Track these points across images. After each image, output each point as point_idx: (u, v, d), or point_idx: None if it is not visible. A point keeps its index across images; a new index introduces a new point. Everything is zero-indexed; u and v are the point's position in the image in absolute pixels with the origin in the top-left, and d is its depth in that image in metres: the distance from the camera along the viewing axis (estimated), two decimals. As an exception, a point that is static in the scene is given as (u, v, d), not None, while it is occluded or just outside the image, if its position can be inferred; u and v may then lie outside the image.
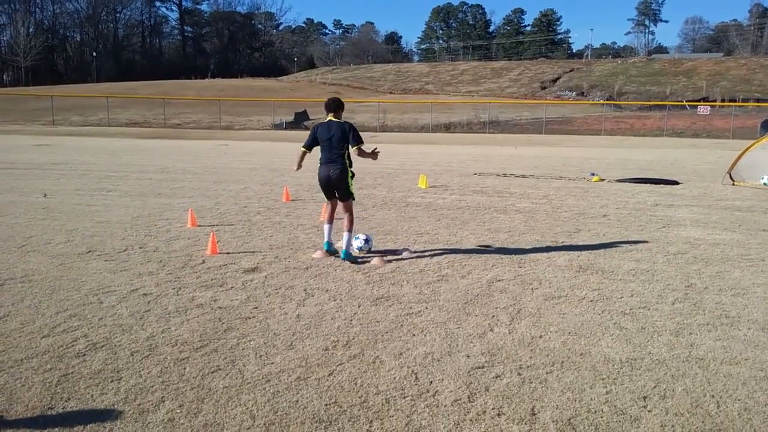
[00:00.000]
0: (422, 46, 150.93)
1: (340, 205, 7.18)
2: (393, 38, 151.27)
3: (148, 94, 62.94)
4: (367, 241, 7.30)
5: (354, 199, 7.23)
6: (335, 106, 7.24)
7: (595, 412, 3.51)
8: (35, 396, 3.60)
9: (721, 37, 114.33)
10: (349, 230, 7.03)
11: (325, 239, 7.22)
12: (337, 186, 7.04)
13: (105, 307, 5.21)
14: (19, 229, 8.43)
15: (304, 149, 7.37)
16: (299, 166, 7.62)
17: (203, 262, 6.78)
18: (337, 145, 6.96)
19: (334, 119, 7.16)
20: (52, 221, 9.06)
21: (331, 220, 7.30)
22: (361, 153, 7.04)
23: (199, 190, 12.62)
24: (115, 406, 3.50)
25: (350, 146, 6.98)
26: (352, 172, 7.10)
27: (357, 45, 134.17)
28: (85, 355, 4.20)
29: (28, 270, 6.34)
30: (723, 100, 56.08)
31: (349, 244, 7.01)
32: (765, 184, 13.83)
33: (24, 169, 16.17)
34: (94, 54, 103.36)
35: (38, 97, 56.61)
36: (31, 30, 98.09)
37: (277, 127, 46.80)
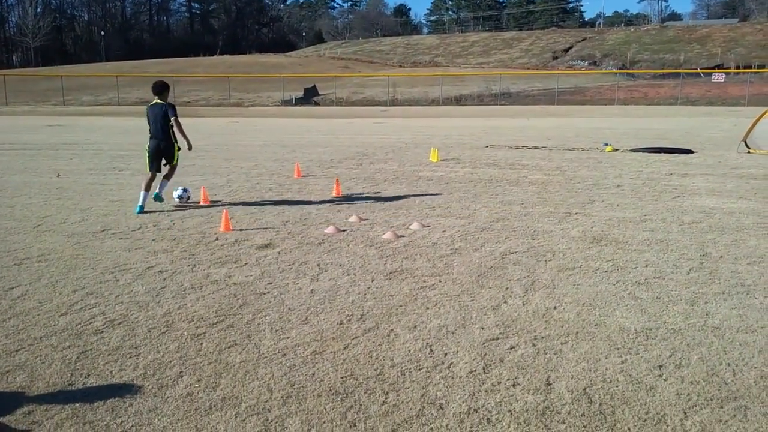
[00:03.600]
0: (431, 18, 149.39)
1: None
2: (402, 11, 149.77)
3: (156, 72, 62.87)
4: (185, 190, 8.83)
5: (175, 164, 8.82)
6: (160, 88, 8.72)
7: (611, 381, 3.52)
8: (55, 372, 3.66)
9: (736, 2, 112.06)
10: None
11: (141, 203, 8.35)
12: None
13: (121, 284, 5.26)
14: (33, 209, 8.50)
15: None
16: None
17: (217, 239, 6.81)
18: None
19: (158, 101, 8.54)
20: (66, 201, 9.12)
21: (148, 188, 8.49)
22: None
23: (211, 168, 12.64)
24: (135, 382, 3.55)
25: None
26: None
27: (365, 18, 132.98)
28: (102, 332, 4.25)
29: (44, 249, 6.41)
30: (738, 67, 55.22)
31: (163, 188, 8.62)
32: (781, 151, 13.65)
33: (37, 150, 16.26)
34: (102, 33, 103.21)
35: (48, 77, 56.73)
36: (38, 10, 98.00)
37: (286, 103, 46.70)
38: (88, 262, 5.94)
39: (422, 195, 9.36)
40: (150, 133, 8.57)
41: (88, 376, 3.63)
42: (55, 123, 28.16)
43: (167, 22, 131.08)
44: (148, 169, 8.57)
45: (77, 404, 3.31)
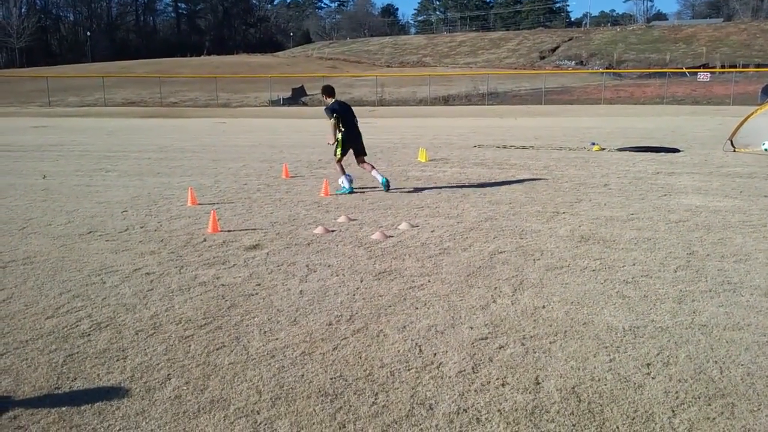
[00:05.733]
0: (419, 18, 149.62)
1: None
2: (389, 11, 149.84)
3: (143, 73, 62.57)
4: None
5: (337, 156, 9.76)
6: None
7: (599, 380, 3.53)
8: (42, 376, 3.62)
9: (720, 2, 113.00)
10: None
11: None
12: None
13: (108, 287, 5.22)
14: (19, 212, 8.43)
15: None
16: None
17: (204, 240, 6.78)
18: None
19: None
20: (52, 203, 9.05)
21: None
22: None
23: (199, 169, 12.59)
24: (122, 385, 3.52)
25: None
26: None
27: (353, 18, 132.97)
28: (89, 334, 4.21)
29: (30, 252, 6.35)
30: (723, 66, 55.68)
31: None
32: (766, 150, 13.78)
33: (22, 152, 16.12)
34: (88, 33, 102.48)
35: (33, 78, 56.25)
36: (23, 10, 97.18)
37: (274, 103, 46.59)
38: (75, 264, 5.90)
39: (411, 194, 9.36)
40: (347, 125, 9.59)
41: (75, 379, 3.59)
42: (40, 124, 27.93)
43: (154, 22, 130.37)
44: (341, 154, 9.76)
45: (64, 408, 3.28)
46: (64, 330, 4.29)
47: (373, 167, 9.83)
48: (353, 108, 9.96)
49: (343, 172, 9.74)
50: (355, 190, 9.68)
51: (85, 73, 66.20)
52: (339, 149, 9.61)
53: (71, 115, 36.12)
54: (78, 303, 4.83)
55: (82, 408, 3.27)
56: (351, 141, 9.62)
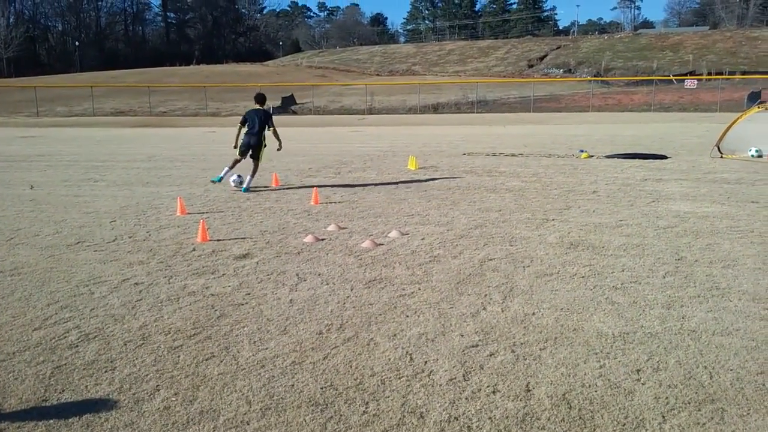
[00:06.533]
0: (408, 27, 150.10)
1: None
2: (378, 20, 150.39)
3: (132, 83, 62.43)
4: (239, 176, 10.95)
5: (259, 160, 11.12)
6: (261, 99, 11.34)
7: (590, 386, 3.53)
8: (29, 389, 3.58)
9: (707, 10, 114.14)
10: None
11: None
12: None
13: (96, 297, 5.18)
14: (6, 222, 8.36)
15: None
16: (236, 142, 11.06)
17: (194, 249, 6.75)
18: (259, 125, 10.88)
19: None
20: (40, 213, 8.98)
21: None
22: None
23: (188, 178, 12.55)
24: (110, 396, 3.49)
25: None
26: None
27: (342, 27, 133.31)
28: (77, 346, 4.18)
29: (18, 263, 6.29)
30: (710, 74, 56.17)
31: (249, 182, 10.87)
32: (753, 156, 13.90)
33: (10, 162, 16.02)
34: (77, 43, 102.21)
35: (21, 88, 55.96)
36: (11, 20, 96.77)
37: (264, 112, 46.45)
38: (63, 275, 5.85)
39: (401, 202, 9.37)
40: (247, 129, 10.88)
41: (63, 391, 3.56)
42: (28, 134, 27.78)
43: (143, 31, 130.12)
44: (238, 154, 10.98)
45: (51, 421, 3.24)
46: (51, 341, 4.26)
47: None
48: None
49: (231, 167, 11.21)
50: (220, 183, 11.25)
51: (74, 82, 65.96)
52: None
53: (60, 125, 35.96)
54: (66, 314, 4.79)
55: (70, 420, 3.24)
56: (244, 143, 10.98)
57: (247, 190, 10.70)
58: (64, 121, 39.97)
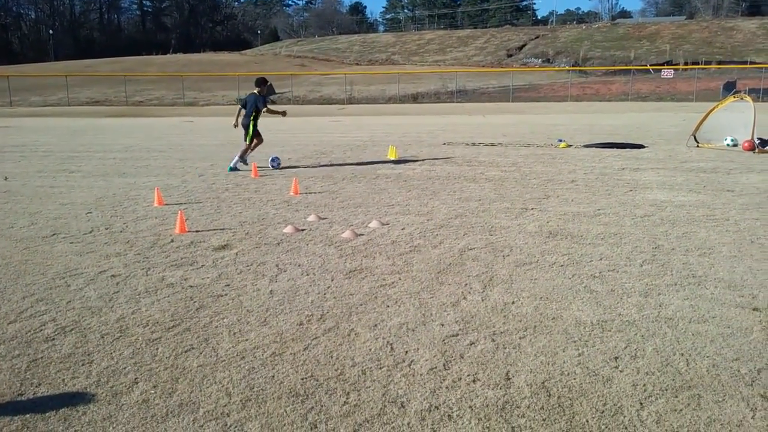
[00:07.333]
0: (387, 16, 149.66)
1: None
2: (357, 8, 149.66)
3: (108, 72, 61.58)
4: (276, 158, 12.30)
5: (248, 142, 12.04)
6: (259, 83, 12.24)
7: (568, 374, 3.56)
8: (4, 383, 3.53)
9: (683, 0, 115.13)
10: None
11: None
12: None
13: (73, 290, 5.12)
14: (-21, 214, 8.21)
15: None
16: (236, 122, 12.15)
17: (172, 241, 6.69)
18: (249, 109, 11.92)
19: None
20: (15, 204, 8.84)
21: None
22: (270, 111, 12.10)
23: (165, 168, 12.42)
24: (88, 390, 3.45)
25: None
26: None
27: (321, 16, 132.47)
28: (54, 339, 4.12)
29: (-9, 255, 6.19)
30: (686, 63, 56.72)
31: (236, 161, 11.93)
32: (728, 145, 14.07)
33: (-18, 153, 15.71)
34: (51, 31, 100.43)
35: (-6, 77, 54.86)
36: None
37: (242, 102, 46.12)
38: (38, 267, 5.76)
39: (381, 192, 9.36)
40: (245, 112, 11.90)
41: (39, 385, 3.51)
42: (1, 125, 27.28)
43: (118, 20, 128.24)
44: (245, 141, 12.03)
45: (27, 415, 3.20)
46: (27, 335, 4.19)
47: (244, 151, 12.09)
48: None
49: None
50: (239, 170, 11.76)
51: (48, 72, 64.87)
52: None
53: (34, 115, 35.37)
54: (42, 307, 4.72)
55: (47, 414, 3.20)
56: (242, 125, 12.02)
57: (232, 169, 11.69)
58: (39, 111, 39.33)
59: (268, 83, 12.42)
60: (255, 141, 12.08)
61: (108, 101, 47.33)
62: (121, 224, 7.52)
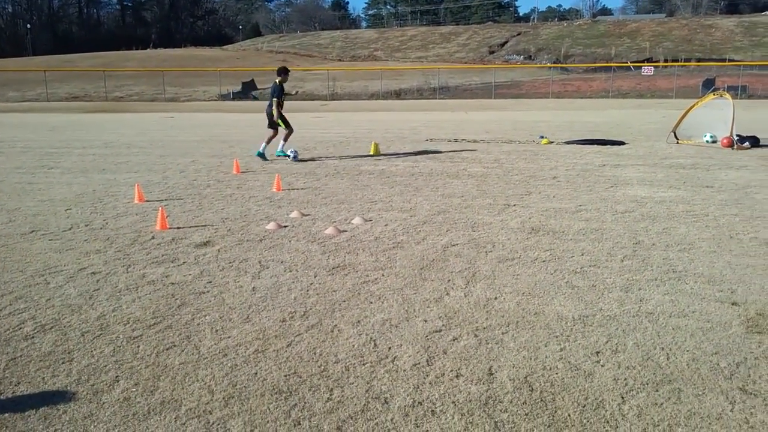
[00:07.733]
0: (370, 12, 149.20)
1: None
2: (340, 4, 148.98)
3: (87, 67, 60.90)
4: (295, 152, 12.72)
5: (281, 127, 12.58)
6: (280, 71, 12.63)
7: (551, 369, 3.59)
8: (-18, 382, 3.48)
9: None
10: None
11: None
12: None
13: (52, 287, 5.06)
14: (-44, 211, 8.08)
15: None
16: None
17: (153, 237, 6.63)
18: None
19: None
20: (-8, 201, 8.71)
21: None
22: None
23: (146, 165, 12.31)
24: (68, 388, 3.41)
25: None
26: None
27: (303, 12, 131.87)
28: (33, 337, 4.07)
29: (-31, 253, 6.09)
30: (666, 61, 57.25)
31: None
32: (707, 141, 14.23)
33: (-42, 148, 15.46)
34: (29, 26, 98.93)
35: (-30, 72, 54.01)
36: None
37: (224, 97, 45.85)
38: (17, 264, 5.69)
39: (363, 189, 9.35)
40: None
41: (18, 384, 3.47)
42: (-22, 120, 26.87)
43: (97, 14, 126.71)
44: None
45: (6, 414, 3.16)
46: (6, 333, 4.14)
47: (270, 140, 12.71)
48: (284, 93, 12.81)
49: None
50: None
51: (26, 67, 63.97)
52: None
53: (12, 111, 34.87)
54: (21, 305, 4.66)
55: (27, 413, 3.16)
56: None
57: (260, 154, 12.51)
58: (17, 107, 38.77)
59: (289, 71, 12.80)
60: (274, 132, 12.63)
61: (87, 97, 46.77)
62: (101, 221, 7.44)
